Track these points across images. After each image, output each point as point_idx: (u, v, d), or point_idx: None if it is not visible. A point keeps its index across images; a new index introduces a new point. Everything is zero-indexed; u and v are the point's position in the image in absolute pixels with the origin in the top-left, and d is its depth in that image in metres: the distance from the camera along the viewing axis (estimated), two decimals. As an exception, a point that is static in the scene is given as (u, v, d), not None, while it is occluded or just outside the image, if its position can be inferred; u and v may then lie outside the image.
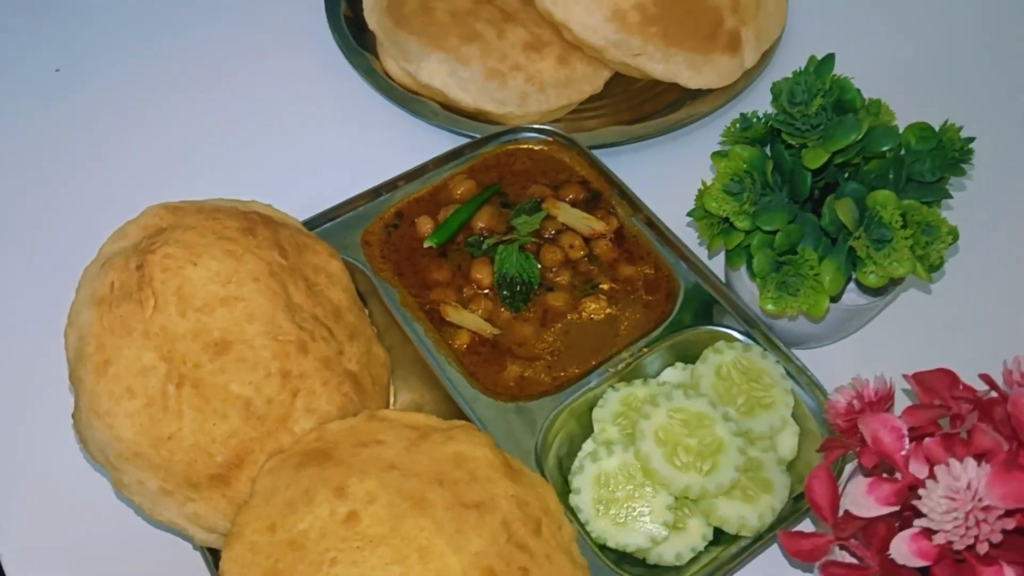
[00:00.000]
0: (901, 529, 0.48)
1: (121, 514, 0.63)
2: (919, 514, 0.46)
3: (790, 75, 0.60)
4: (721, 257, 0.68)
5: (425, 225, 0.75)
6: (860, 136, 0.57)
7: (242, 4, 0.97)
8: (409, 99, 0.86)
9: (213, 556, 0.59)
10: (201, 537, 0.58)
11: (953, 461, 0.45)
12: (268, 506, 0.55)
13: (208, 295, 0.59)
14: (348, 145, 0.87)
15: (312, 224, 0.74)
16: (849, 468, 0.59)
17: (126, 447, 0.56)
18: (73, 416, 0.58)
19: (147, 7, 0.97)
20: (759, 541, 0.60)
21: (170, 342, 0.57)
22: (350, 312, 0.67)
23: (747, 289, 0.67)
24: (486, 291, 0.72)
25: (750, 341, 0.68)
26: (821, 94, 0.58)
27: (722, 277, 0.72)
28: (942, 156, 0.60)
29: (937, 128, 0.62)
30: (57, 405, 0.65)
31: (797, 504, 0.61)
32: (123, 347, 0.56)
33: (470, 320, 0.70)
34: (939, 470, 0.45)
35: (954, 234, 0.60)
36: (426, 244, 0.74)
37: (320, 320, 0.63)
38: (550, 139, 0.80)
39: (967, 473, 0.44)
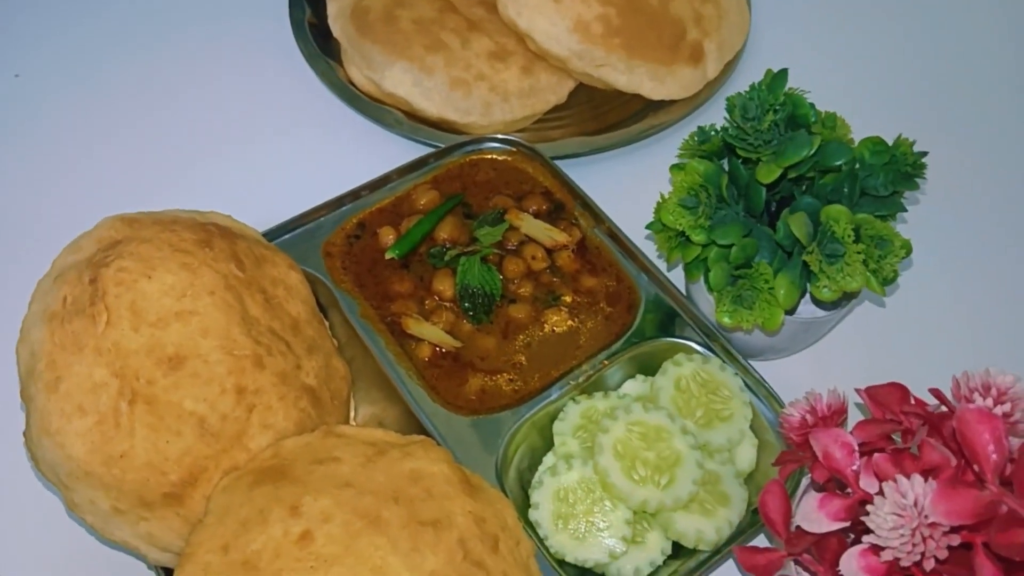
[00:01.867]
0: (852, 544, 0.48)
1: (74, 534, 0.63)
2: (868, 529, 0.46)
3: (745, 90, 0.60)
4: (682, 269, 0.68)
5: (387, 236, 0.75)
6: (812, 152, 0.57)
7: (204, 11, 0.97)
8: (373, 108, 0.85)
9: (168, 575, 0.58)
10: (155, 557, 0.58)
11: (900, 478, 0.45)
12: (222, 525, 0.54)
13: (162, 309, 0.58)
14: (310, 154, 0.86)
15: (273, 235, 0.73)
16: (806, 481, 0.59)
17: (77, 466, 0.55)
18: (24, 434, 0.58)
19: (109, 14, 0.96)
20: (717, 555, 0.60)
21: (123, 358, 0.56)
22: (309, 325, 0.67)
23: (707, 301, 0.68)
24: (448, 303, 0.72)
25: (710, 353, 0.68)
26: (773, 110, 0.58)
27: (683, 289, 0.72)
28: (895, 170, 0.61)
29: (891, 142, 0.62)
30: (8, 422, 0.64)
31: (755, 517, 0.62)
32: (74, 364, 0.55)
33: (431, 333, 0.70)
34: (887, 486, 0.45)
35: (907, 248, 0.60)
36: (388, 255, 0.74)
37: (277, 334, 0.63)
38: (513, 149, 0.80)
39: (914, 490, 0.45)
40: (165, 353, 0.57)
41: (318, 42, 0.90)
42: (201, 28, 0.95)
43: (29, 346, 0.58)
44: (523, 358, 0.70)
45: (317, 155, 0.86)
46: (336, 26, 0.88)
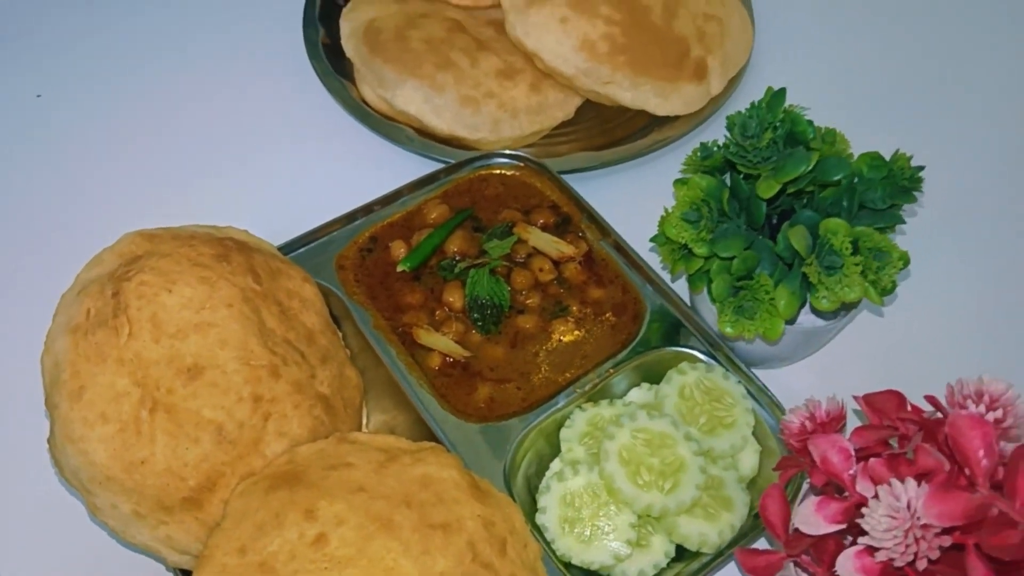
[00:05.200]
0: (849, 546, 0.49)
1: (96, 537, 0.65)
2: (863, 531, 0.47)
3: (745, 108, 0.62)
4: (685, 280, 0.70)
5: (399, 249, 0.77)
6: (809, 168, 0.59)
7: (220, 30, 0.99)
8: (385, 125, 0.87)
9: (186, 577, 0.60)
10: (174, 559, 0.60)
11: (894, 481, 0.47)
12: (239, 529, 0.56)
13: (182, 321, 0.60)
14: (324, 170, 0.88)
15: (287, 248, 0.75)
16: (806, 485, 0.61)
17: (99, 471, 0.57)
18: (48, 441, 0.60)
19: (127, 33, 0.99)
20: (719, 557, 0.62)
21: (144, 368, 0.58)
22: (323, 335, 0.69)
23: (710, 311, 0.69)
24: (458, 314, 0.74)
25: (713, 362, 0.70)
26: (772, 128, 0.60)
27: (687, 300, 0.74)
28: (893, 184, 0.63)
29: (888, 157, 0.64)
30: (33, 430, 0.66)
31: (757, 521, 0.63)
32: (97, 374, 0.58)
33: (442, 343, 0.72)
34: (881, 490, 0.47)
35: (905, 259, 0.62)
36: (399, 268, 0.76)
37: (293, 344, 0.65)
38: (521, 164, 0.82)
39: (907, 493, 0.46)
40: (184, 364, 0.59)
41: (331, 61, 0.92)
42: (218, 48, 0.98)
43: (53, 356, 0.60)
44: (530, 367, 0.72)
45: (330, 171, 0.88)
46: (349, 46, 0.90)
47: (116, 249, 0.65)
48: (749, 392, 0.68)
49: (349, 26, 0.91)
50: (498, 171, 0.83)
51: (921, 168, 0.63)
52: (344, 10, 0.93)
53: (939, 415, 0.53)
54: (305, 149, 0.90)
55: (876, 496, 0.47)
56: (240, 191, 0.86)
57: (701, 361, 0.70)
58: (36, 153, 0.89)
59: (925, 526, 0.45)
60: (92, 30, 0.99)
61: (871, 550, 0.47)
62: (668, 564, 0.62)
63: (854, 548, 0.48)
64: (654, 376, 0.70)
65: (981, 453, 0.47)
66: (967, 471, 0.47)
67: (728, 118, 0.63)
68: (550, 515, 0.63)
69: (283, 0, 0.98)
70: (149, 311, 0.60)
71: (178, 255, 0.63)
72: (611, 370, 0.70)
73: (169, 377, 0.58)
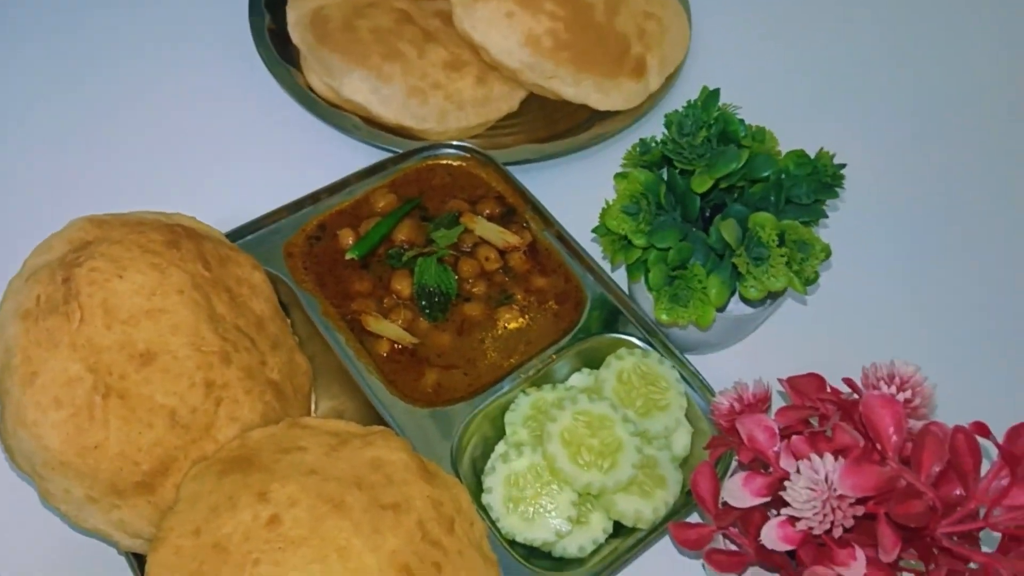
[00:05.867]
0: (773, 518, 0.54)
1: (46, 522, 0.65)
2: (786, 504, 0.51)
3: (681, 107, 0.65)
4: (624, 270, 0.74)
5: (347, 237, 0.78)
6: (740, 165, 0.63)
7: (165, 17, 0.99)
8: (332, 113, 0.88)
9: (138, 561, 0.61)
10: (126, 543, 0.61)
11: (813, 456, 0.51)
12: (193, 511, 0.57)
13: (133, 307, 0.61)
14: (271, 158, 0.89)
15: (235, 236, 0.76)
16: (735, 463, 0.65)
17: (52, 456, 0.57)
18: (-2, 427, 0.60)
19: (74, 22, 0.98)
20: (653, 532, 0.65)
21: (96, 354, 0.59)
22: (272, 323, 0.70)
23: (647, 300, 0.73)
24: (406, 301, 0.76)
25: (649, 348, 0.73)
26: (707, 126, 0.64)
27: (625, 289, 0.77)
28: (817, 180, 0.67)
29: (813, 155, 0.68)
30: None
31: (688, 498, 0.67)
32: (50, 359, 0.58)
33: (390, 330, 0.74)
34: (801, 464, 0.51)
35: (827, 251, 0.66)
36: (348, 256, 0.77)
37: (243, 331, 0.66)
38: (468, 155, 0.84)
39: (825, 467, 0.50)
40: (136, 349, 0.60)
41: (277, 48, 0.92)
42: (164, 35, 0.97)
43: (3, 342, 0.60)
44: (476, 353, 0.74)
45: (278, 159, 0.89)
46: (295, 33, 0.91)
47: (65, 235, 0.65)
48: (682, 376, 0.72)
49: (296, 13, 0.92)
50: (445, 161, 0.85)
51: (843, 166, 0.68)
52: (290, -3, 0.94)
53: (855, 396, 0.58)
54: (252, 136, 0.90)
55: (797, 471, 0.51)
56: (187, 178, 0.86)
57: (638, 347, 0.73)
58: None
59: (841, 497, 0.50)
60: (37, 17, 0.97)
61: (792, 520, 0.51)
62: (606, 540, 0.66)
63: (777, 519, 0.52)
64: (594, 361, 0.74)
65: (891, 430, 0.51)
66: (879, 447, 0.52)
67: (666, 116, 0.66)
68: (495, 495, 0.66)
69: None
70: (100, 297, 0.60)
71: (128, 241, 0.64)
72: (553, 356, 0.73)
73: (121, 363, 0.59)
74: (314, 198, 0.80)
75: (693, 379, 0.71)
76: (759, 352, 0.78)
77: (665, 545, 0.67)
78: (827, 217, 0.70)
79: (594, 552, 0.65)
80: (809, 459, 0.51)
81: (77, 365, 0.58)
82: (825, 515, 0.50)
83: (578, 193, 0.83)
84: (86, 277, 0.60)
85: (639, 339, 0.74)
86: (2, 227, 0.81)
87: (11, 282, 0.63)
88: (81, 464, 0.57)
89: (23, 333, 0.59)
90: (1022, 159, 0.95)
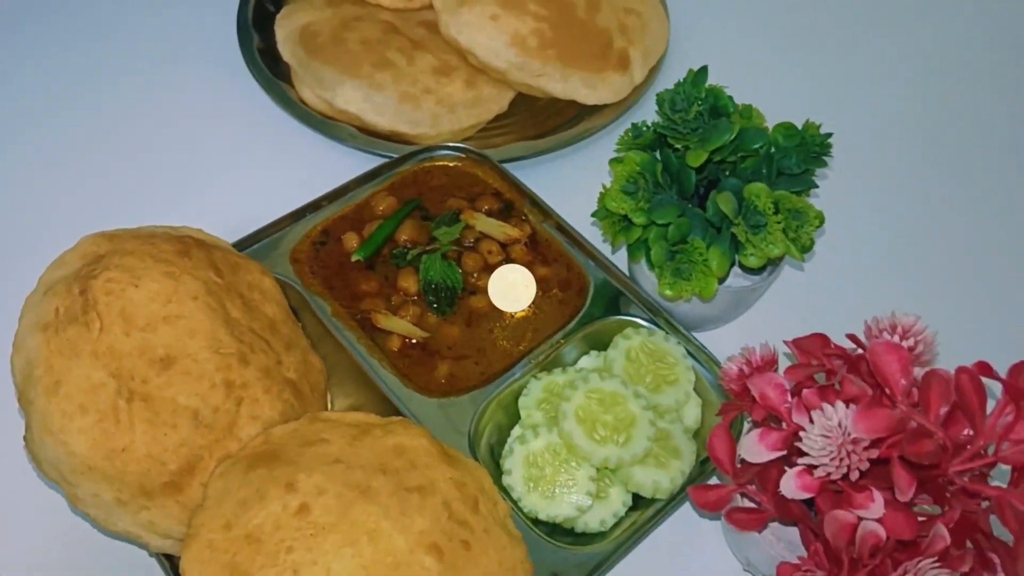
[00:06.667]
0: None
1: (76, 528, 0.66)
2: (802, 454, 0.53)
3: (671, 87, 0.68)
4: (624, 253, 0.75)
5: (351, 240, 0.80)
6: (733, 136, 0.65)
7: (157, 40, 1.01)
8: (327, 125, 0.90)
9: (169, 561, 0.62)
10: (156, 544, 0.61)
11: (826, 405, 0.53)
12: (222, 507, 0.58)
13: (150, 314, 0.62)
14: (271, 171, 0.91)
15: (241, 246, 0.78)
16: (747, 426, 0.66)
17: (80, 461, 0.58)
18: (24, 438, 0.61)
19: (76, 46, 1.00)
20: (672, 501, 0.67)
21: (117, 360, 0.60)
22: (285, 325, 0.72)
23: (648, 280, 0.75)
24: (413, 298, 0.77)
25: (654, 327, 0.75)
26: (698, 102, 0.66)
27: (626, 272, 0.79)
28: (806, 151, 0.69)
29: (800, 127, 0.71)
30: (5, 430, 0.67)
31: (703, 466, 0.69)
32: (72, 368, 0.59)
33: (400, 326, 0.75)
34: (815, 414, 0.53)
35: (820, 218, 0.68)
36: (354, 258, 0.79)
37: (257, 333, 0.67)
38: (464, 156, 0.86)
39: (838, 414, 0.52)
40: (157, 354, 0.61)
41: (269, 66, 0.94)
42: (162, 60, 1.00)
43: (24, 355, 0.61)
44: (486, 343, 0.76)
45: (277, 171, 0.90)
46: (286, 49, 0.93)
47: (78, 250, 0.67)
48: (688, 352, 0.73)
49: (284, 31, 0.94)
50: (441, 163, 0.87)
51: (830, 135, 0.70)
52: (278, 16, 0.96)
53: (859, 351, 0.60)
54: (251, 151, 0.92)
55: (811, 420, 0.53)
56: (191, 194, 0.88)
57: (643, 327, 0.75)
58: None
59: (855, 441, 0.51)
60: (41, 41, 1.00)
61: (810, 468, 0.53)
62: (626, 512, 0.67)
63: (795, 469, 0.53)
64: (601, 344, 0.75)
65: (899, 374, 0.53)
66: (888, 391, 0.53)
67: (658, 95, 0.68)
68: (515, 476, 0.67)
69: (215, 11, 1.01)
70: (118, 306, 0.61)
71: (141, 252, 0.65)
72: (561, 341, 0.75)
73: (143, 367, 0.60)
74: (316, 205, 0.82)
75: (699, 353, 0.73)
76: (759, 325, 0.80)
77: (685, 512, 0.69)
78: (817, 187, 0.72)
79: (615, 525, 0.67)
80: (822, 408, 0.52)
81: (100, 372, 0.59)
82: (841, 459, 0.51)
83: (571, 186, 0.86)
84: (103, 287, 0.62)
85: (643, 319, 0.76)
86: (11, 247, 0.82)
87: (28, 298, 0.64)
88: (109, 467, 0.58)
89: (44, 344, 0.60)
90: (1000, 115, 0.99)
